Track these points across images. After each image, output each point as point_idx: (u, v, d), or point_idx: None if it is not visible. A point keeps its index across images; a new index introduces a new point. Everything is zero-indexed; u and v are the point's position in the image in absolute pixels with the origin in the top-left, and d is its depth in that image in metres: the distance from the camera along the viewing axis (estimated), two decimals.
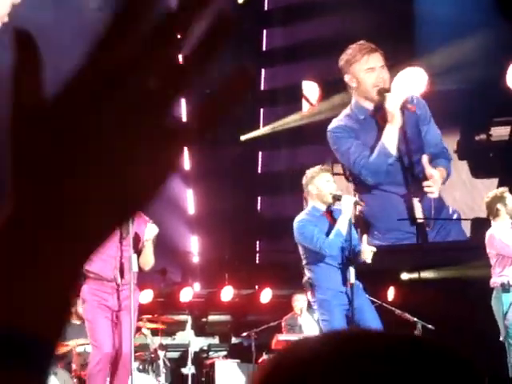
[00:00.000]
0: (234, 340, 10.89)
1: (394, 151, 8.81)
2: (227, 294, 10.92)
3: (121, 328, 6.04)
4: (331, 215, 6.49)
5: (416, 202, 9.21)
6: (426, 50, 9.88)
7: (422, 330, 8.13)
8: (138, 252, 6.34)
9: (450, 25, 9.62)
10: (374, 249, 6.41)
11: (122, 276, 6.17)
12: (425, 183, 8.94)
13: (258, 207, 12.41)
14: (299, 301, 9.40)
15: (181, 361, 9.95)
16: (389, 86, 8.90)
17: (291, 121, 11.24)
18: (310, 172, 6.62)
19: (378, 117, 8.96)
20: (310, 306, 9.47)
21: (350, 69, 8.92)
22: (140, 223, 6.25)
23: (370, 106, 9.08)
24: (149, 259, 6.39)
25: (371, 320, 6.39)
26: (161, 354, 8.47)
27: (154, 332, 8.97)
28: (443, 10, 9.85)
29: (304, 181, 6.59)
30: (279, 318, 9.39)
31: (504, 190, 7.13)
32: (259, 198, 12.37)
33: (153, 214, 10.71)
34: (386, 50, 9.38)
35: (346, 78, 8.96)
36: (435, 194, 9.03)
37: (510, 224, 7.08)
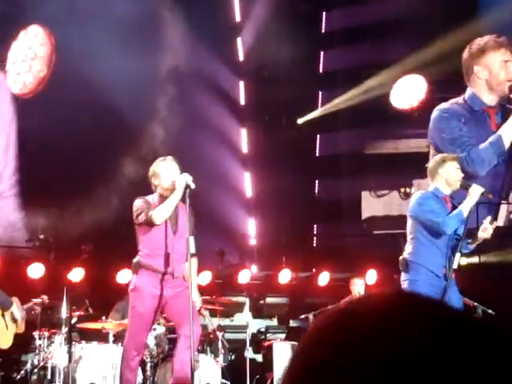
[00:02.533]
0: (291, 323, 10.91)
1: (506, 149, 8.36)
2: (285, 276, 10.94)
3: (182, 311, 6.11)
4: (451, 201, 6.60)
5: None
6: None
7: (482, 315, 8.04)
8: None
9: None
10: (495, 224, 6.52)
11: (174, 268, 6.28)
12: None
13: (316, 190, 12.38)
14: (357, 285, 9.41)
15: (239, 342, 10.02)
16: None
17: (348, 98, 11.16)
18: (440, 156, 6.81)
19: (493, 112, 8.54)
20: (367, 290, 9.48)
21: (484, 59, 8.55)
22: (183, 214, 6.29)
23: (489, 99, 8.56)
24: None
25: None
26: (219, 334, 8.54)
27: (213, 313, 9.05)
28: None
29: (432, 164, 6.75)
30: (336, 301, 9.38)
31: None
32: (317, 182, 12.35)
33: (211, 196, 10.82)
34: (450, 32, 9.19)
35: (476, 68, 8.56)
36: None
37: None
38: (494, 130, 8.28)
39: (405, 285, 6.55)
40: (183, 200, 6.17)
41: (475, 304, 8.13)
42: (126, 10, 9.70)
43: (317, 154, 12.34)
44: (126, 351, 6.36)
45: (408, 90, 9.91)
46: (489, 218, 6.56)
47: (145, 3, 10.31)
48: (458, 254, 6.31)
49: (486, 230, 6.45)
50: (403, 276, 6.61)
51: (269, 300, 11.26)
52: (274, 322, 11.20)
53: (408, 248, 6.62)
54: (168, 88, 10.65)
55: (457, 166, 6.66)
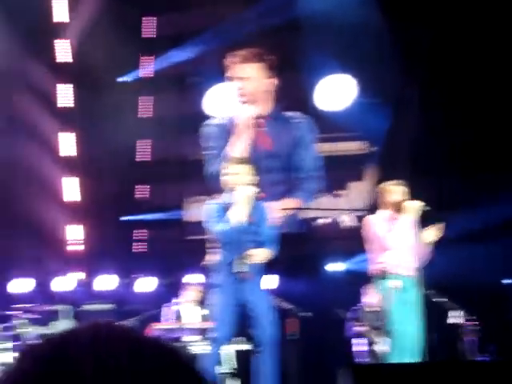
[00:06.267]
0: None
1: None
2: (105, 282, 10.80)
3: None
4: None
5: None
6: None
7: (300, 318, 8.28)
8: None
9: None
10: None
11: None
12: None
13: (137, 195, 12.31)
14: (188, 291, 9.51)
15: None
16: None
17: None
18: None
19: None
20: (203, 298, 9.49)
21: None
22: None
23: None
24: None
25: (260, 318, 6.47)
26: None
27: (32, 322, 8.78)
28: None
29: None
30: (157, 308, 9.37)
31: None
32: (138, 187, 12.27)
33: (30, 201, 10.48)
34: None
35: None
36: None
37: None
38: None
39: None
40: None
41: (292, 307, 8.35)
42: None
43: (136, 160, 12.26)
44: None
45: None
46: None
47: None
48: (241, 256, 6.49)
49: None
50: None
51: (87, 307, 11.03)
52: None
53: (208, 255, 6.70)
54: None
55: (226, 171, 6.67)
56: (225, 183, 6.57)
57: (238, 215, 6.39)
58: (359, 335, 8.93)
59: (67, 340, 0.94)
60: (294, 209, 8.08)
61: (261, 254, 6.41)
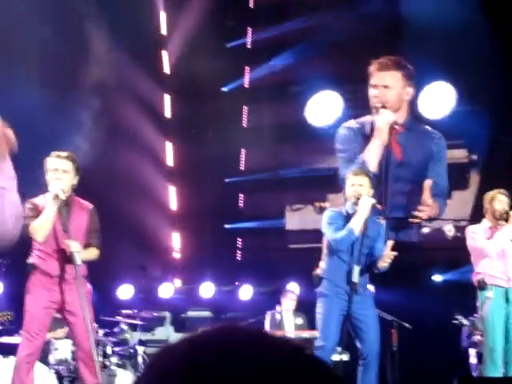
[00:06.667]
0: None
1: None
2: (207, 290, 10.94)
3: (78, 325, 5.89)
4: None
5: None
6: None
7: (399, 329, 8.20)
8: (85, 244, 6.01)
9: None
10: (392, 255, 6.40)
11: (70, 271, 5.86)
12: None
13: (240, 204, 12.42)
14: (288, 298, 9.51)
15: None
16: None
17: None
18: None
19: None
20: (297, 307, 9.52)
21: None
22: (79, 213, 6.00)
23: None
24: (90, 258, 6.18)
25: (373, 330, 6.41)
26: (139, 349, 8.47)
27: (134, 327, 8.97)
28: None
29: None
30: (258, 315, 9.41)
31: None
32: (241, 195, 12.39)
33: (135, 209, 10.74)
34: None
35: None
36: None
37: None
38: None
39: (318, 299, 6.61)
40: (59, 211, 5.78)
41: (393, 318, 8.27)
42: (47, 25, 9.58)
43: (241, 168, 12.38)
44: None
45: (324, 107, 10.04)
46: (390, 243, 6.47)
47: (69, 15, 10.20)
48: (355, 267, 6.30)
49: (383, 258, 6.37)
50: (317, 290, 6.67)
51: (191, 314, 11.22)
52: None
53: (321, 263, 6.68)
54: (92, 101, 10.55)
55: (352, 182, 6.56)
56: (348, 193, 6.55)
57: (357, 226, 6.34)
58: (473, 345, 8.78)
59: (201, 342, 0.95)
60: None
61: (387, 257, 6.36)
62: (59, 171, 5.85)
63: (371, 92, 8.92)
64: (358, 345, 6.41)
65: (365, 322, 6.39)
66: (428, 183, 8.63)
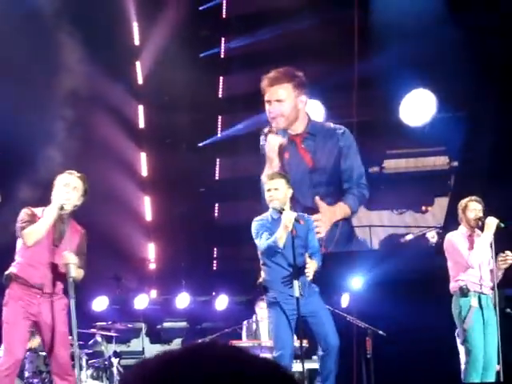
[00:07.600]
0: None
1: None
2: (183, 300, 10.90)
3: (53, 338, 5.85)
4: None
5: None
6: None
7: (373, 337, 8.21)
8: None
9: None
10: (314, 266, 6.43)
11: (53, 284, 5.86)
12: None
13: (215, 214, 12.40)
14: (261, 308, 9.48)
15: None
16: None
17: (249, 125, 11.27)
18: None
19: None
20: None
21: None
22: (73, 234, 6.03)
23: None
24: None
25: (326, 323, 6.42)
26: (114, 361, 8.41)
27: (108, 339, 8.91)
28: None
29: None
30: (235, 325, 9.39)
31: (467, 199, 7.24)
32: (216, 205, 12.37)
33: (109, 220, 10.68)
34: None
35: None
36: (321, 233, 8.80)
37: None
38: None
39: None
40: (55, 224, 5.83)
41: (367, 326, 8.29)
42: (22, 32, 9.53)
43: (216, 178, 12.37)
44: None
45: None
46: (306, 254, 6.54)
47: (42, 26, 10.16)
48: (295, 283, 6.25)
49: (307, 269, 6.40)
50: (265, 297, 6.66)
51: (166, 325, 11.18)
52: (172, 347, 11.11)
53: (261, 272, 6.66)
54: (65, 111, 10.50)
55: (268, 186, 6.58)
56: (266, 198, 6.58)
57: (281, 238, 6.32)
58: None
59: (176, 359, 0.95)
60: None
61: (311, 267, 6.38)
62: (70, 187, 5.92)
63: (266, 107, 9.06)
64: (318, 341, 6.44)
65: (316, 317, 6.40)
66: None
